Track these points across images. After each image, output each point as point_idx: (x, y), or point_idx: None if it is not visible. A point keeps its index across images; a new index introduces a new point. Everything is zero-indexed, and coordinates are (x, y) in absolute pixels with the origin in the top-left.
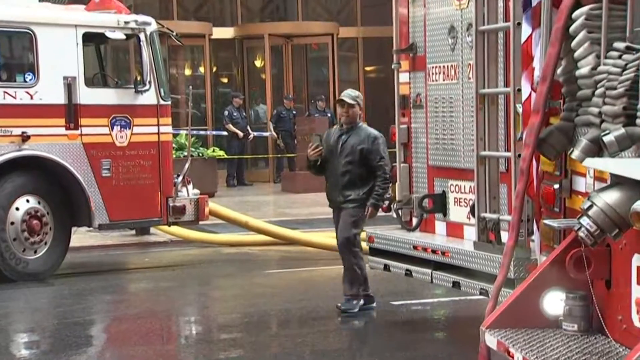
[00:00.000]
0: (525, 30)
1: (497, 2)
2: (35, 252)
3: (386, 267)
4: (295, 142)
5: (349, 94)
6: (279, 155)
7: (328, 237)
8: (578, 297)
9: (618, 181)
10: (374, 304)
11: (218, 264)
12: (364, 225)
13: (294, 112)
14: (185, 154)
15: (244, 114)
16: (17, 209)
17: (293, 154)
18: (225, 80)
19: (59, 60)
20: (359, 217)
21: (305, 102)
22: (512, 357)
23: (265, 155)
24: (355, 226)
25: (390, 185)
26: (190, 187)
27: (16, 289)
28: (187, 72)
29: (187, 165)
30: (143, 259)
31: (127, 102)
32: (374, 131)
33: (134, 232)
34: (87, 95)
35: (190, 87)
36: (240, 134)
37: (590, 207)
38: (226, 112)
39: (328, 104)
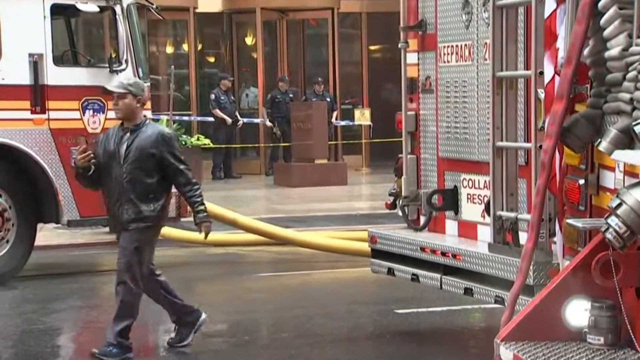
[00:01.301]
0: (549, 5)
1: None
2: None
3: (390, 271)
4: (291, 130)
5: (119, 81)
6: (272, 145)
7: (326, 237)
8: (605, 307)
9: None
10: (132, 355)
11: (202, 266)
12: (153, 251)
13: (291, 95)
14: None
15: (233, 98)
16: None
17: (288, 142)
18: (211, 59)
19: (24, 35)
20: (146, 242)
21: (302, 85)
22: None
23: (256, 145)
24: (138, 253)
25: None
26: None
27: None
28: (169, 50)
29: None
30: (117, 258)
31: (100, 83)
32: (164, 129)
33: (107, 229)
34: (56, 75)
35: (172, 67)
36: (229, 120)
37: (619, 205)
38: (212, 96)
39: (327, 87)
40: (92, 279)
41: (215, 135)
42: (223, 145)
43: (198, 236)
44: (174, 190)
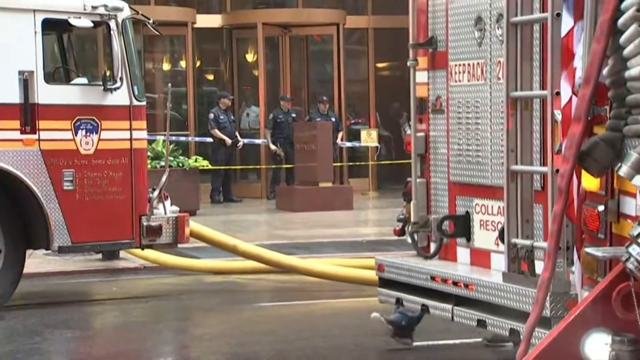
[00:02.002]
0: (566, 22)
1: None
2: None
3: (399, 302)
4: (294, 151)
5: None
6: (274, 167)
7: (331, 264)
8: (626, 341)
9: None
10: None
11: (200, 296)
12: None
13: (293, 114)
14: (163, 164)
15: (233, 117)
16: None
17: (291, 164)
18: (210, 77)
19: (14, 51)
20: None
21: (305, 104)
22: None
23: (257, 166)
24: None
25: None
26: (167, 203)
27: None
28: (166, 66)
29: (164, 178)
30: (111, 289)
31: (94, 101)
32: None
33: (100, 256)
34: (47, 94)
35: (169, 84)
36: (228, 140)
37: None
38: (211, 115)
39: (332, 106)
40: (84, 309)
41: (214, 156)
42: (222, 167)
43: (195, 263)
44: (169, 214)
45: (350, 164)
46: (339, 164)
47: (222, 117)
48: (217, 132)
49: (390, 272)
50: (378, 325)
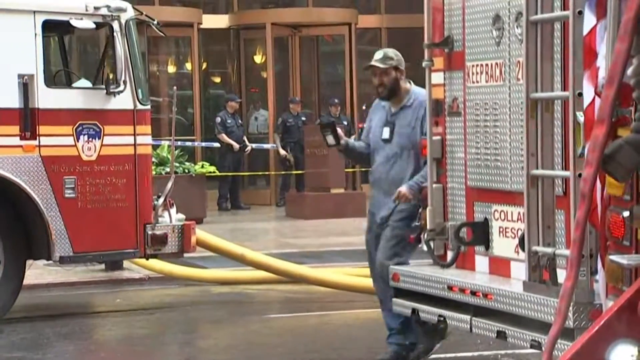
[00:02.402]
0: (588, 20)
1: None
2: None
3: (415, 312)
4: (304, 156)
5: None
6: (284, 172)
7: (343, 274)
8: None
9: None
10: None
11: (207, 307)
12: None
13: (303, 118)
14: (168, 170)
15: (240, 121)
16: None
17: (301, 170)
18: (217, 79)
19: (13, 54)
20: None
21: (316, 107)
22: None
23: (266, 172)
24: None
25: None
26: (173, 211)
27: None
28: (171, 69)
29: (170, 185)
30: (114, 300)
31: (96, 106)
32: None
33: (103, 266)
34: (48, 98)
35: (175, 87)
36: (236, 145)
37: None
38: (218, 119)
39: (344, 109)
40: (87, 321)
41: (222, 162)
42: (230, 173)
43: (202, 273)
44: (174, 222)
45: (363, 169)
46: (350, 170)
47: (229, 121)
48: (224, 137)
49: (405, 281)
50: None
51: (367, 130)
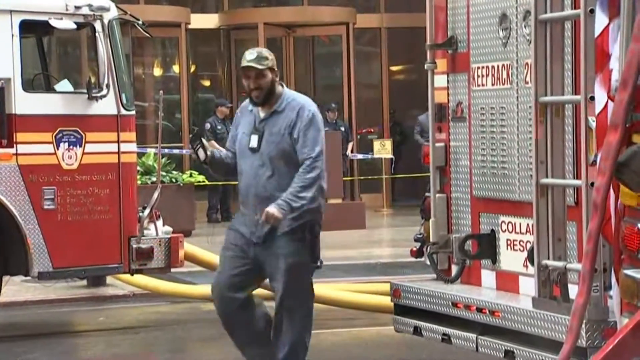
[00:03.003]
0: (600, 20)
1: None
2: None
3: (417, 330)
4: None
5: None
6: None
7: (341, 289)
8: None
9: None
10: None
11: (196, 326)
12: None
13: None
14: (154, 179)
15: (229, 128)
16: None
17: None
18: (206, 83)
19: None
20: None
21: None
22: None
23: None
24: None
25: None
26: (159, 223)
27: None
28: (157, 72)
29: (156, 195)
30: (97, 319)
31: (77, 111)
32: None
33: (84, 282)
34: (25, 103)
35: (161, 92)
36: None
37: None
38: (208, 125)
39: (342, 114)
40: (68, 341)
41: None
42: (220, 183)
43: (191, 290)
44: (161, 235)
45: (362, 177)
46: (349, 178)
47: (219, 127)
48: (214, 144)
49: (407, 298)
50: (393, 357)
51: (232, 138)
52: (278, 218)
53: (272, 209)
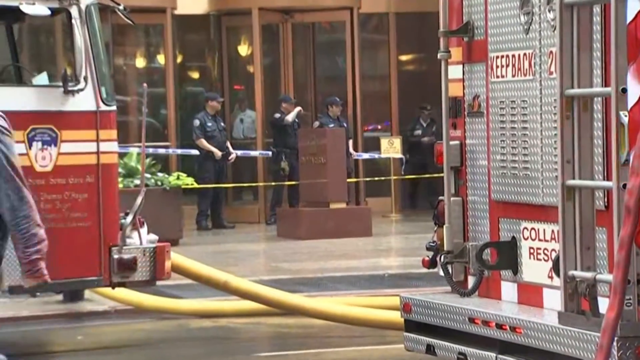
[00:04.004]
0: (633, 5)
1: None
2: None
3: (430, 349)
4: (299, 164)
5: None
6: (275, 184)
7: (345, 304)
8: None
9: None
10: None
11: (183, 344)
12: None
13: (297, 120)
14: (138, 182)
15: (223, 124)
16: None
17: (295, 181)
18: (195, 74)
19: None
20: None
21: (312, 106)
22: None
23: (254, 184)
24: None
25: None
26: (144, 231)
27: None
28: (141, 63)
29: (139, 200)
30: (75, 337)
31: (52, 107)
32: None
33: (61, 297)
34: None
35: (145, 84)
36: (218, 153)
37: None
38: (197, 122)
39: (345, 109)
40: None
41: (201, 172)
42: (211, 186)
43: (178, 305)
44: (145, 244)
45: (368, 179)
46: (354, 180)
47: (209, 123)
48: (203, 143)
49: (418, 312)
50: None
51: None
52: None
53: None
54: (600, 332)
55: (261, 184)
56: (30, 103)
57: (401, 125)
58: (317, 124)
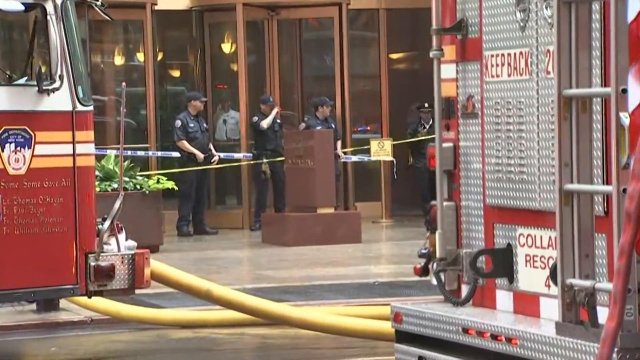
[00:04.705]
0: (634, 3)
1: None
2: None
3: None
4: (285, 167)
5: None
6: (257, 188)
7: (334, 313)
8: None
9: None
10: None
11: (164, 356)
12: None
13: (278, 121)
14: (116, 186)
15: (206, 125)
16: None
17: (280, 184)
18: (176, 73)
19: None
20: None
21: (299, 107)
22: None
23: (238, 188)
24: None
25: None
26: (122, 237)
27: None
28: (119, 60)
29: (117, 204)
30: (49, 349)
31: (25, 107)
32: None
33: (34, 306)
34: None
35: (124, 84)
36: (200, 155)
37: None
38: (179, 122)
39: (334, 110)
40: None
41: (182, 176)
42: (193, 189)
43: (158, 314)
44: (123, 251)
45: (358, 183)
46: (343, 184)
47: (192, 124)
48: (185, 144)
49: (410, 323)
50: None
51: None
52: None
53: None
54: (600, 343)
55: (246, 188)
56: (2, 103)
57: (392, 126)
58: (303, 125)
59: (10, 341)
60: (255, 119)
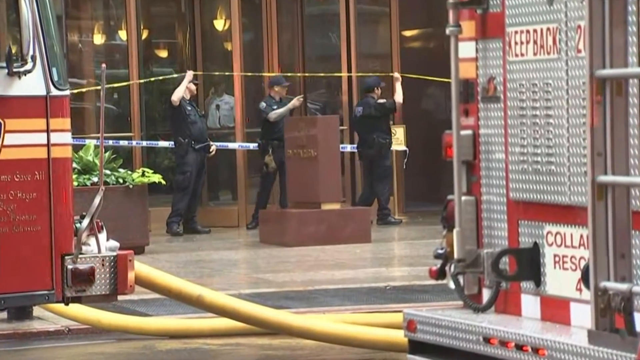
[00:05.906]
0: None
1: None
2: None
3: None
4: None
5: None
6: (260, 183)
7: (340, 321)
8: None
9: None
10: None
11: None
12: None
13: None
14: (96, 180)
15: (203, 111)
16: None
17: (282, 178)
18: (163, 53)
19: None
20: None
21: (300, 89)
22: None
23: (233, 182)
24: None
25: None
26: (102, 237)
27: None
28: (99, 39)
29: (97, 200)
30: None
31: None
32: None
33: (4, 315)
34: None
35: (104, 65)
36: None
37: None
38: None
39: (339, 92)
40: None
41: (182, 166)
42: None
43: (143, 323)
44: (104, 252)
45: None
46: (350, 177)
47: (189, 107)
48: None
49: (425, 331)
50: None
51: None
52: None
53: None
54: (637, 354)
55: (241, 181)
56: None
57: (405, 111)
58: (263, 105)
59: None
60: (263, 105)
